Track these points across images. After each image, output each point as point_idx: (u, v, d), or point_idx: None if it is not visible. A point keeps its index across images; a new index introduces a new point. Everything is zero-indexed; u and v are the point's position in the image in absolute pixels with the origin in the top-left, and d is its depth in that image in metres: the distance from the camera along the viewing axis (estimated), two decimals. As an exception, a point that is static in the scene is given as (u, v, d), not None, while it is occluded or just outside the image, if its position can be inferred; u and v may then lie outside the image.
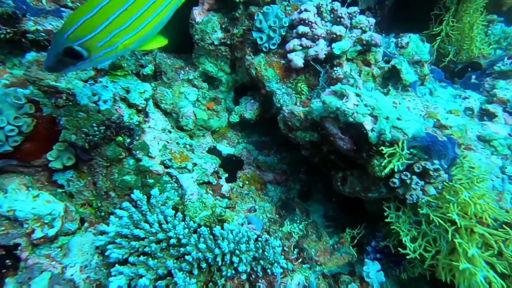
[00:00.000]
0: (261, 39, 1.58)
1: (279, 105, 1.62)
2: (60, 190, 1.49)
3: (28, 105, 1.27)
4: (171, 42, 1.67)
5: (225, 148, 1.91)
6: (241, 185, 1.72)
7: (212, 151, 1.78)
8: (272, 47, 1.60)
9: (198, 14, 1.77)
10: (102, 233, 1.29)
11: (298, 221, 1.63)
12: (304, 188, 1.97)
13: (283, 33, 1.60)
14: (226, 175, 1.68)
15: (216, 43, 1.76)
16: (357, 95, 1.09)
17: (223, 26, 1.77)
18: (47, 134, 1.39)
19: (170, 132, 1.64)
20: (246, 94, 2.04)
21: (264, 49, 1.62)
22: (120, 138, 1.37)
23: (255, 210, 1.61)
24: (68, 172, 1.49)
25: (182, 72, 1.93)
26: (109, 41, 0.76)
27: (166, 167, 1.51)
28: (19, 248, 1.19)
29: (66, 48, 0.72)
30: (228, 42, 1.78)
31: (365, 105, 1.05)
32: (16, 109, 1.24)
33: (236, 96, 2.08)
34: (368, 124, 1.03)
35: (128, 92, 1.42)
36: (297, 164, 2.04)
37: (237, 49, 1.79)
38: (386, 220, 1.35)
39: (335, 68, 1.47)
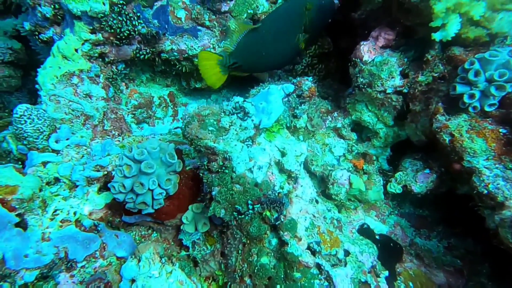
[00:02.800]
0: (472, 96, 1.14)
1: (485, 191, 1.14)
2: (184, 253, 1.32)
3: (178, 162, 1.12)
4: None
5: (375, 224, 1.51)
6: (403, 288, 1.30)
7: (364, 230, 1.40)
8: (487, 109, 1.14)
9: (367, 51, 1.43)
10: None
11: None
12: (486, 301, 1.42)
13: (510, 90, 1.12)
14: (386, 273, 1.27)
15: (389, 91, 1.38)
16: None
17: (402, 68, 1.38)
18: (187, 192, 1.23)
19: (317, 202, 1.32)
20: (407, 153, 1.61)
21: (471, 110, 1.17)
22: (267, 213, 1.12)
23: None
24: (195, 234, 1.31)
25: (330, 119, 1.62)
26: None
27: (313, 252, 1.20)
28: None
29: None
30: (405, 90, 1.39)
31: None
32: (167, 166, 1.10)
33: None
34: None
35: (284, 154, 1.16)
36: (476, 260, 1.50)
37: (415, 100, 1.38)
38: None
39: None
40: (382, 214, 1.60)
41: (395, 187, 1.46)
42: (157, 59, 2.23)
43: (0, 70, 2.43)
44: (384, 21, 1.39)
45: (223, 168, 1.02)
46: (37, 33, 1.87)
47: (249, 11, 2.23)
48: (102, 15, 1.70)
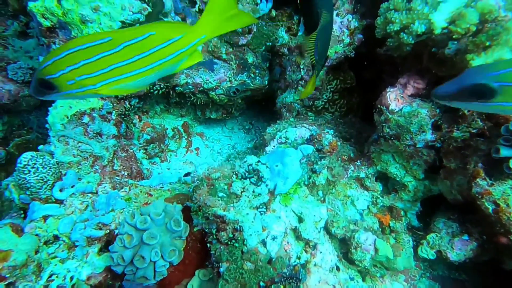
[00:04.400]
0: (519, 161, 1.02)
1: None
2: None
3: (185, 227, 1.05)
4: None
5: (404, 292, 1.37)
6: None
7: (392, 303, 1.26)
8: (539, 177, 1.01)
9: (394, 99, 1.34)
10: None
11: None
12: None
13: None
14: None
15: (419, 146, 1.28)
16: None
17: (434, 120, 1.28)
18: (194, 257, 1.15)
19: (338, 269, 1.21)
20: (440, 209, 1.47)
21: (518, 176, 1.04)
22: (281, 289, 1.01)
23: None
24: (202, 299, 1.22)
25: (352, 168, 1.52)
26: (78, 83, 0.79)
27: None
28: None
29: (39, 79, 0.78)
30: (438, 145, 1.28)
31: None
32: (172, 233, 1.03)
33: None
34: None
35: (301, 220, 1.07)
36: None
37: (450, 156, 1.26)
38: None
39: None
40: (412, 278, 1.45)
41: (427, 252, 1.32)
42: (171, 92, 2.22)
43: (20, 90, 2.49)
44: (414, 68, 1.30)
45: (233, 240, 0.94)
46: (51, 69, 1.89)
47: (267, 44, 2.21)
48: (116, 54, 1.70)
